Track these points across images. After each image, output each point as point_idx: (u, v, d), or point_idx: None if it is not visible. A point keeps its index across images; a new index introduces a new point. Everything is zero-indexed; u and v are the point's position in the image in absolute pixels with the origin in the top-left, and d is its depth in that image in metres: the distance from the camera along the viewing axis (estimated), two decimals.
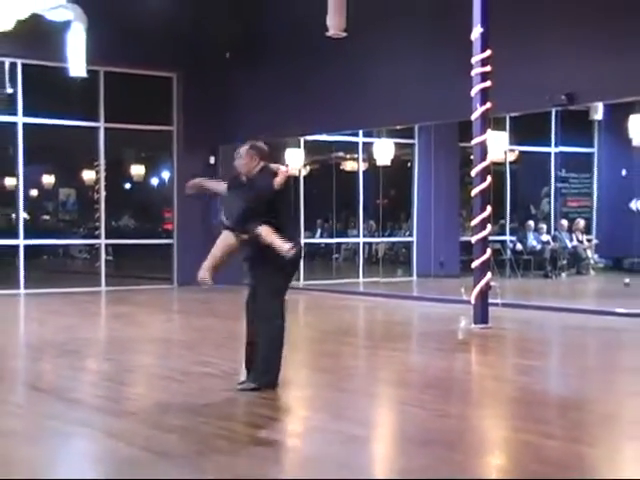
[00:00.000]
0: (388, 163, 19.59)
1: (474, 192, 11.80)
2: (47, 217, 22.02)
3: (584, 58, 12.26)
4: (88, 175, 20.12)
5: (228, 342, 9.99)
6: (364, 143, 19.58)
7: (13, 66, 16.76)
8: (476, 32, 11.58)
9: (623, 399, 7.42)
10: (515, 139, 19.76)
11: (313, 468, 5.35)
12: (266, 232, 6.87)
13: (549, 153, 21.39)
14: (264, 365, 7.07)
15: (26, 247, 17.04)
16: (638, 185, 19.84)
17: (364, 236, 20.06)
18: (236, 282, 16.78)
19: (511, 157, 20.52)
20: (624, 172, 20.80)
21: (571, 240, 20.54)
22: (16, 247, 16.91)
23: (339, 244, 20.71)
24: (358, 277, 19.06)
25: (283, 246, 6.83)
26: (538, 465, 5.17)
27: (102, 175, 18.11)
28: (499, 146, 17.39)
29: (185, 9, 17.12)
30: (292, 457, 5.71)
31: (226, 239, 7.18)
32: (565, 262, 20.19)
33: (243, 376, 7.32)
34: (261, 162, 7.23)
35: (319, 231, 21.40)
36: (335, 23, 13.76)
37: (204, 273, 7.14)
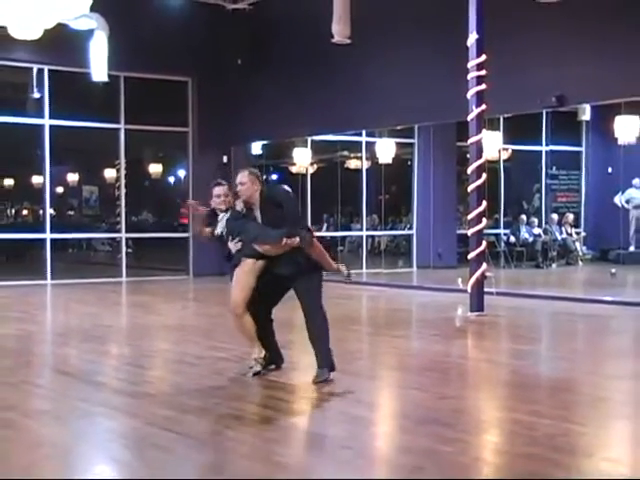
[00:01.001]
0: (389, 161, 19.57)
1: (470, 188, 11.79)
2: (72, 212, 22.06)
3: (572, 63, 12.22)
4: (109, 173, 20.13)
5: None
6: (367, 143, 19.56)
7: (40, 72, 16.82)
8: (472, 38, 11.55)
9: (610, 381, 7.41)
10: (508, 138, 19.69)
11: (319, 447, 5.35)
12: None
13: (540, 152, 21.33)
14: (328, 352, 6.91)
15: (52, 240, 17.07)
16: (623, 181, 19.80)
17: (367, 229, 20.04)
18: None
19: (505, 155, 20.48)
20: (610, 169, 20.74)
21: (561, 233, 20.50)
22: (43, 240, 16.95)
23: (344, 237, 20.67)
24: (362, 268, 19.03)
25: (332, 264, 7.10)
26: (530, 443, 5.17)
27: (122, 173, 18.11)
28: (493, 145, 17.35)
29: (200, 18, 17.12)
30: (299, 436, 5.72)
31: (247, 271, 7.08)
32: (555, 253, 20.16)
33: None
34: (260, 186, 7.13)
35: (325, 225, 21.38)
36: (340, 30, 13.73)
37: None
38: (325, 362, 6.83)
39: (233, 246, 7.09)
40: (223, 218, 7.25)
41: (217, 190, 7.32)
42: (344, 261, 19.31)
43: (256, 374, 7.07)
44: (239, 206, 7.16)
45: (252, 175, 7.12)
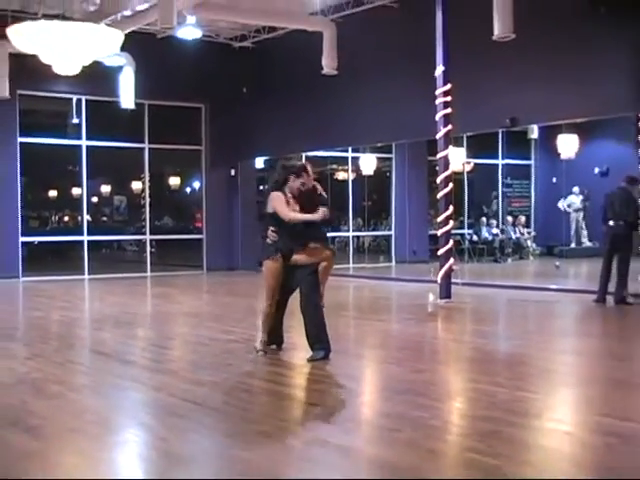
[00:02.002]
0: (371, 173, 19.58)
1: (439, 195, 11.80)
2: (105, 218, 21.95)
3: (523, 91, 12.24)
4: (136, 185, 20.05)
5: (247, 315, 9.99)
6: (352, 157, 19.54)
7: (78, 101, 16.81)
8: (439, 70, 11.57)
9: (556, 356, 7.43)
10: (471, 153, 19.73)
11: (315, 413, 5.36)
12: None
13: (497, 164, 21.37)
14: (320, 336, 6.82)
15: (89, 242, 17.03)
16: (565, 189, 19.90)
17: (353, 231, 20.04)
18: (251, 268, 16.87)
19: (468, 168, 20.45)
20: (554, 179, 20.81)
21: (515, 232, 20.54)
22: (81, 242, 16.93)
23: (334, 237, 20.65)
24: (349, 263, 19.03)
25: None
26: (490, 407, 5.18)
27: (147, 185, 18.10)
28: (458, 159, 17.36)
29: (211, 54, 17.11)
30: (298, 405, 5.72)
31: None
32: (510, 250, 20.18)
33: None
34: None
35: None
36: (328, 63, 13.75)
37: None
38: (319, 345, 6.80)
39: (271, 233, 6.82)
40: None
41: (303, 177, 6.94)
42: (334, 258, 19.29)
43: (263, 353, 7.04)
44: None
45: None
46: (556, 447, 4.45)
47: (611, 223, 10.60)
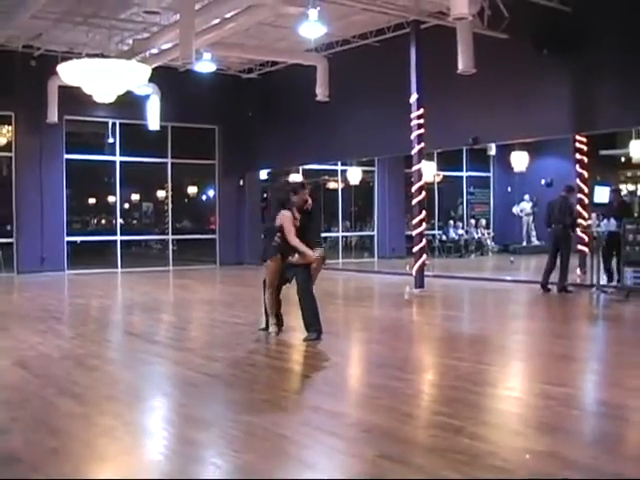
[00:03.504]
0: (357, 183, 19.60)
1: (414, 202, 11.84)
2: (134, 221, 21.90)
3: (484, 115, 12.29)
4: (160, 193, 20.02)
5: (253, 303, 9.96)
6: (342, 170, 19.55)
7: (113, 124, 16.77)
8: (413, 97, 11.61)
9: (510, 335, 7.46)
10: (440, 167, 19.76)
11: (309, 384, 5.38)
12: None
13: (462, 176, 21.42)
14: (314, 320, 6.82)
15: (121, 241, 16.99)
16: (517, 197, 19.96)
17: (342, 231, 20.05)
18: (257, 262, 16.85)
19: (438, 179, 20.54)
20: (509, 189, 20.88)
21: (477, 233, 20.58)
22: (115, 241, 16.89)
23: (325, 237, 20.66)
24: (338, 258, 19.04)
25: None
26: (455, 379, 5.21)
27: (169, 193, 18.05)
28: (430, 171, 17.36)
29: (223, 84, 17.10)
30: (295, 377, 5.74)
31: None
32: (473, 247, 20.23)
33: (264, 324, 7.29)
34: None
35: None
36: (321, 92, 13.76)
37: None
38: (312, 327, 6.82)
39: (277, 238, 6.81)
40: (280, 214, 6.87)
41: (302, 193, 6.87)
42: (326, 254, 19.34)
43: (277, 333, 7.04)
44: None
45: (306, 188, 7.00)
46: (508, 409, 4.49)
47: (553, 226, 10.67)
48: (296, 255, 6.81)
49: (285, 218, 6.81)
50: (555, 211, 10.61)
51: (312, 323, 6.82)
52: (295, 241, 6.76)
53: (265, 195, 18.64)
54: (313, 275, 6.99)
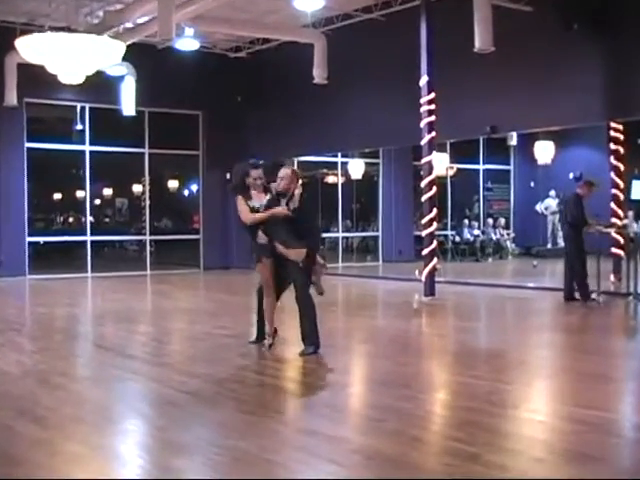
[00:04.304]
0: (360, 177, 19.62)
1: (424, 198, 11.83)
2: (107, 219, 21.89)
3: (503, 100, 12.30)
4: (137, 188, 20.01)
5: (240, 311, 9.98)
6: (342, 162, 19.54)
7: (82, 109, 16.77)
8: (423, 80, 11.60)
9: (531, 350, 7.46)
10: (453, 159, 19.78)
11: (305, 405, 5.37)
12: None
13: (478, 169, 21.44)
14: (313, 332, 6.81)
15: (92, 242, 16.98)
16: (541, 193, 19.97)
17: (342, 232, 20.05)
18: (245, 266, 16.83)
19: (451, 172, 20.55)
20: (532, 184, 20.89)
21: (495, 234, 20.59)
22: (84, 242, 16.87)
23: (324, 238, 20.64)
24: (338, 262, 19.04)
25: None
26: (470, 399, 5.20)
27: (147, 188, 18.06)
28: (442, 164, 17.38)
29: (208, 64, 17.09)
30: (289, 397, 5.70)
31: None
32: (491, 250, 20.24)
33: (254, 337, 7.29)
34: (297, 183, 6.98)
35: None
36: (319, 73, 13.76)
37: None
38: (310, 340, 6.80)
39: (261, 234, 6.81)
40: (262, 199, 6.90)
41: (253, 173, 6.92)
42: (324, 257, 19.34)
43: (270, 345, 7.01)
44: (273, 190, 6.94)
45: (293, 174, 7.01)
46: (530, 434, 4.48)
47: (565, 227, 10.73)
48: (279, 246, 6.81)
49: (238, 200, 6.84)
50: (565, 209, 10.64)
51: (310, 335, 6.81)
52: (249, 217, 6.78)
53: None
54: (317, 281, 6.98)
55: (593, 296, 10.40)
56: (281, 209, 6.85)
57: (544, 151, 17.93)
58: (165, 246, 19.00)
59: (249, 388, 5.77)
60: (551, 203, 19.99)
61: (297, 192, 6.96)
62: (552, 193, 19.98)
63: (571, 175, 19.54)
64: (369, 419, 4.88)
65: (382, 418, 4.73)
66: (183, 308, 11.23)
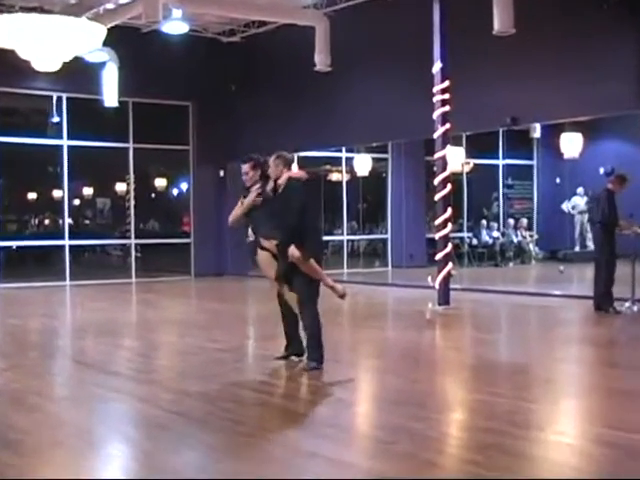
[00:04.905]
0: (366, 174, 19.63)
1: (437, 197, 11.83)
2: (87, 222, 21.93)
3: (525, 88, 12.28)
4: (120, 187, 20.06)
5: (235, 323, 10.00)
6: (347, 158, 19.56)
7: (59, 99, 16.81)
8: (436, 66, 11.61)
9: (557, 365, 7.46)
10: (470, 153, 19.78)
11: (307, 425, 5.36)
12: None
13: (497, 165, 21.43)
14: (316, 346, 6.78)
15: (71, 246, 17.02)
16: (568, 191, 19.94)
17: (347, 234, 20.06)
18: (240, 273, 16.85)
19: (467, 168, 20.51)
20: (558, 180, 20.88)
21: (516, 236, 20.59)
22: (63, 246, 16.90)
23: (327, 241, 20.66)
24: (343, 268, 19.04)
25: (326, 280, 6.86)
26: (490, 419, 5.19)
27: (132, 187, 18.11)
28: (457, 159, 17.41)
29: (198, 49, 17.13)
30: (289, 416, 5.67)
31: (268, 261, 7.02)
32: (512, 254, 20.24)
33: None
34: (284, 170, 7.05)
35: None
36: (321, 60, 13.79)
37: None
38: (312, 356, 6.79)
39: (250, 232, 7.09)
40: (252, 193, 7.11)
41: (243, 168, 7.23)
42: (327, 263, 19.38)
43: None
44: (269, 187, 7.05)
45: (278, 160, 7.08)
46: (556, 458, 4.47)
47: (595, 227, 10.75)
48: (264, 242, 6.90)
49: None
50: (595, 207, 10.65)
51: (312, 348, 6.80)
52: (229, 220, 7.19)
53: None
54: (332, 285, 6.95)
55: (619, 307, 10.36)
56: (250, 198, 7.03)
57: (571, 144, 17.90)
58: (152, 251, 19.02)
59: (245, 407, 5.77)
60: (579, 201, 19.97)
61: (284, 177, 6.98)
62: (580, 190, 19.95)
63: (601, 170, 19.49)
64: (377, 441, 4.87)
65: (392, 440, 4.73)
66: (172, 319, 11.24)
